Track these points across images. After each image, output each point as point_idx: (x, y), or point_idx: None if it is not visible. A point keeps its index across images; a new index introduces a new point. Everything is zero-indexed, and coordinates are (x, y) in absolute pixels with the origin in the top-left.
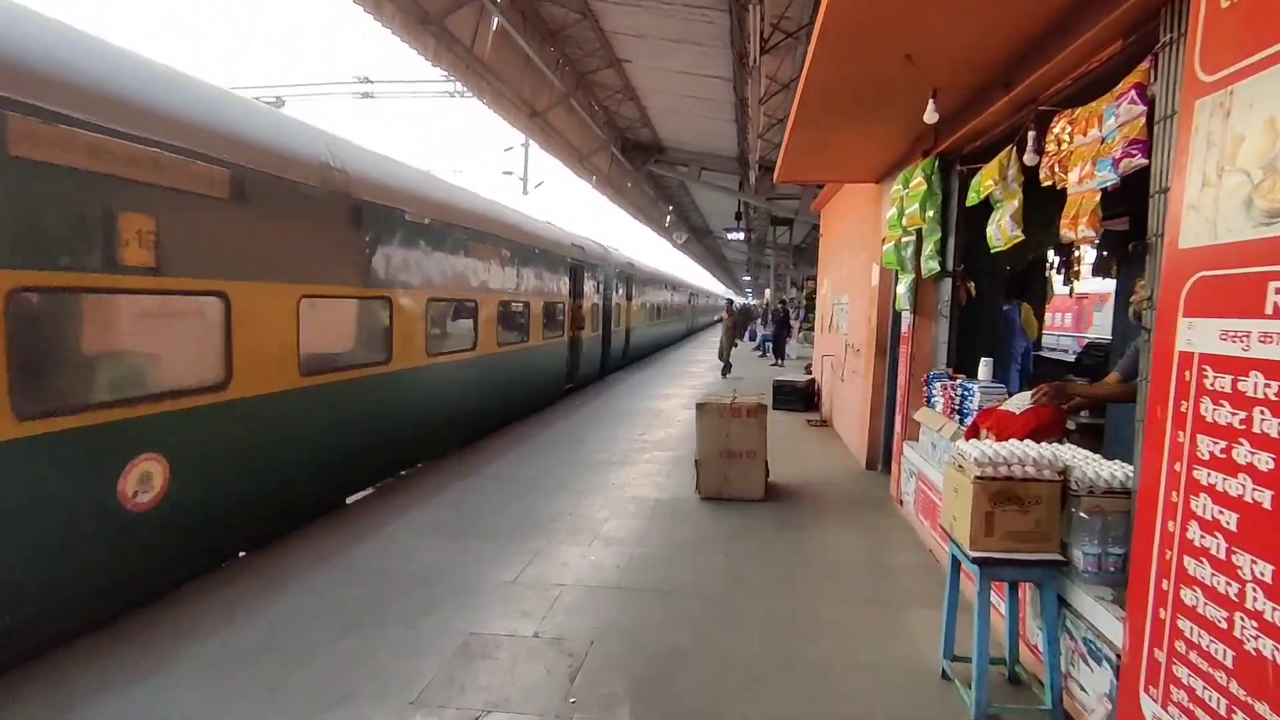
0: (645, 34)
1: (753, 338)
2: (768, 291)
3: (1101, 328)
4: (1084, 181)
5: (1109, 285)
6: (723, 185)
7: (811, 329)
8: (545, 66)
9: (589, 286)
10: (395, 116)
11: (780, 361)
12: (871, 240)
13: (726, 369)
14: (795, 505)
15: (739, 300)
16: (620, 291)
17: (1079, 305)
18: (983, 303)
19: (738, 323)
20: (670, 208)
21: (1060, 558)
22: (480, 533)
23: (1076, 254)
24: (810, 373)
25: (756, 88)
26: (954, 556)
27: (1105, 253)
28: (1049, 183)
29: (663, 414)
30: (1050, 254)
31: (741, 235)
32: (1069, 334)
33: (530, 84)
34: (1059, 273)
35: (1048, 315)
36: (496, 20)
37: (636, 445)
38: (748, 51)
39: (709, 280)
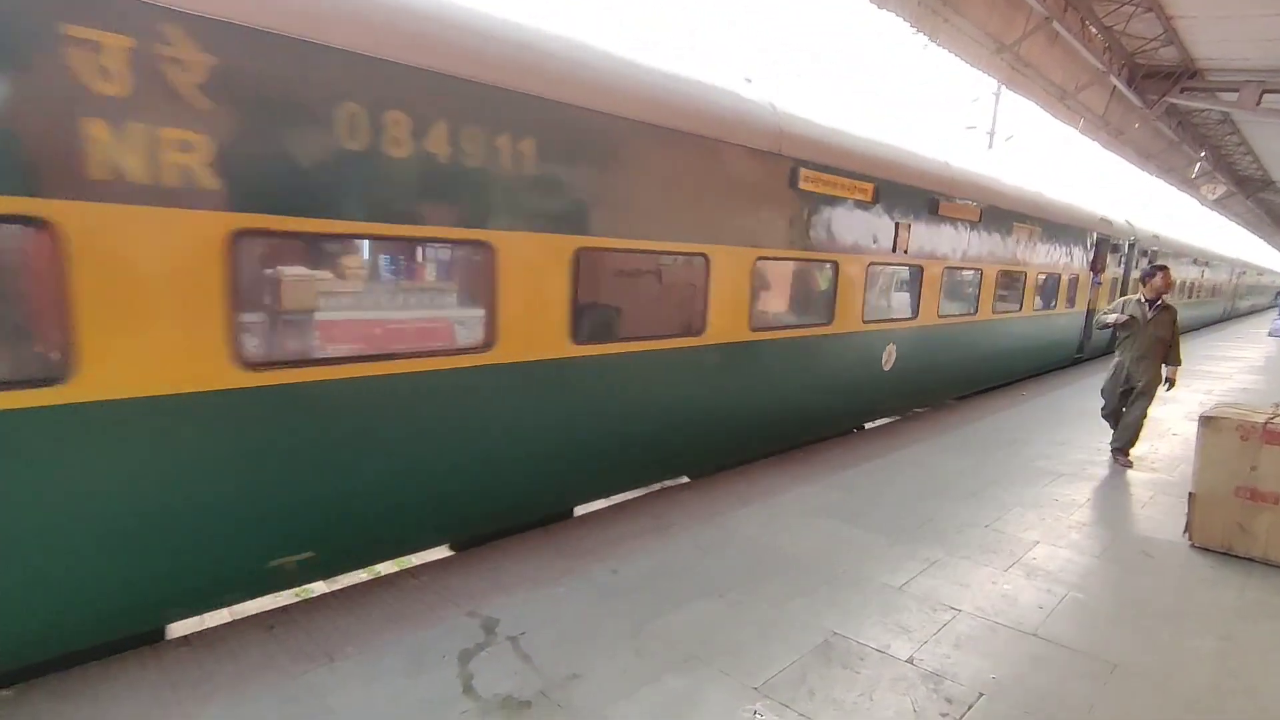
0: None
1: None
2: None
3: None
4: None
5: None
6: None
7: None
8: None
9: None
10: (846, 80)
11: None
12: None
13: (1122, 442)
14: None
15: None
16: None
17: None
18: None
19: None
20: (1202, 152)
21: None
22: (873, 524)
23: None
24: None
25: None
26: None
27: None
28: None
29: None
30: None
31: None
32: None
33: (1000, 14)
34: None
35: None
36: None
37: (1099, 457)
38: None
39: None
